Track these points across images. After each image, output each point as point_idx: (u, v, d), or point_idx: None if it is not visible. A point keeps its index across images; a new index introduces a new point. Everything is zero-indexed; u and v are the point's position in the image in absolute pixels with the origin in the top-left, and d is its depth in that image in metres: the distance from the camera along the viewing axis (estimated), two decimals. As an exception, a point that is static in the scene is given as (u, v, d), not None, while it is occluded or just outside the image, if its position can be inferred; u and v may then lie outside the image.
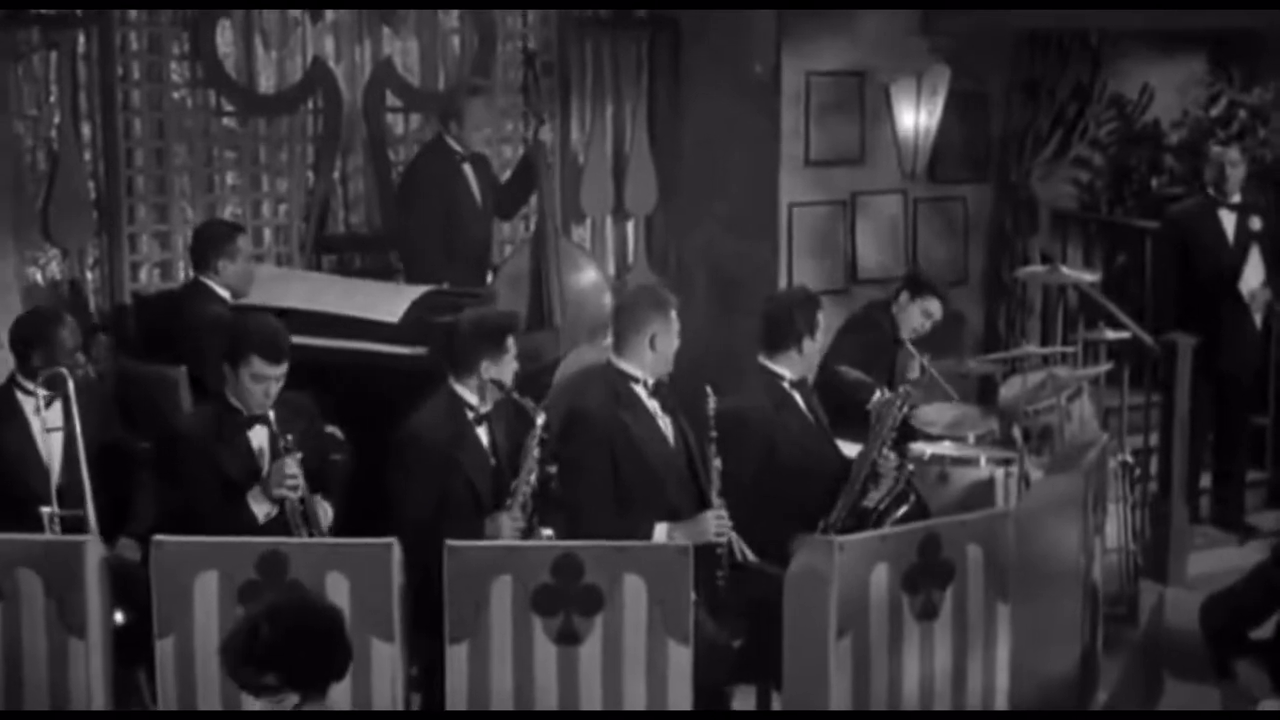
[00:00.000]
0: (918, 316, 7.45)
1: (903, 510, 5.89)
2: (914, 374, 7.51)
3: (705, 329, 8.45)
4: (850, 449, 6.37)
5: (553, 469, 5.59)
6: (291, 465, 5.33)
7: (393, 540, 4.91)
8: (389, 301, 6.85)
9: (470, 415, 5.53)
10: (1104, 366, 7.23)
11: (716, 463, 5.55)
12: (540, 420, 5.48)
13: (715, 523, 5.52)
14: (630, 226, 8.60)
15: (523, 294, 7.50)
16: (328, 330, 6.66)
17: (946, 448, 6.88)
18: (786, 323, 6.02)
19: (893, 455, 6.11)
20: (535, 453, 5.47)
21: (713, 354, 8.35)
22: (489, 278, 7.81)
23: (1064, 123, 8.67)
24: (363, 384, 6.52)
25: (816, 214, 8.22)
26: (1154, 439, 8.27)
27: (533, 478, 5.46)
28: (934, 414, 7.31)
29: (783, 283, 8.15)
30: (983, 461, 6.68)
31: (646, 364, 5.67)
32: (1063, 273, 7.45)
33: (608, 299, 7.62)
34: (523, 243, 7.87)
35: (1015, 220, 8.58)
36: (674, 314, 5.72)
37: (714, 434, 5.57)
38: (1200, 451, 8.42)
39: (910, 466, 6.48)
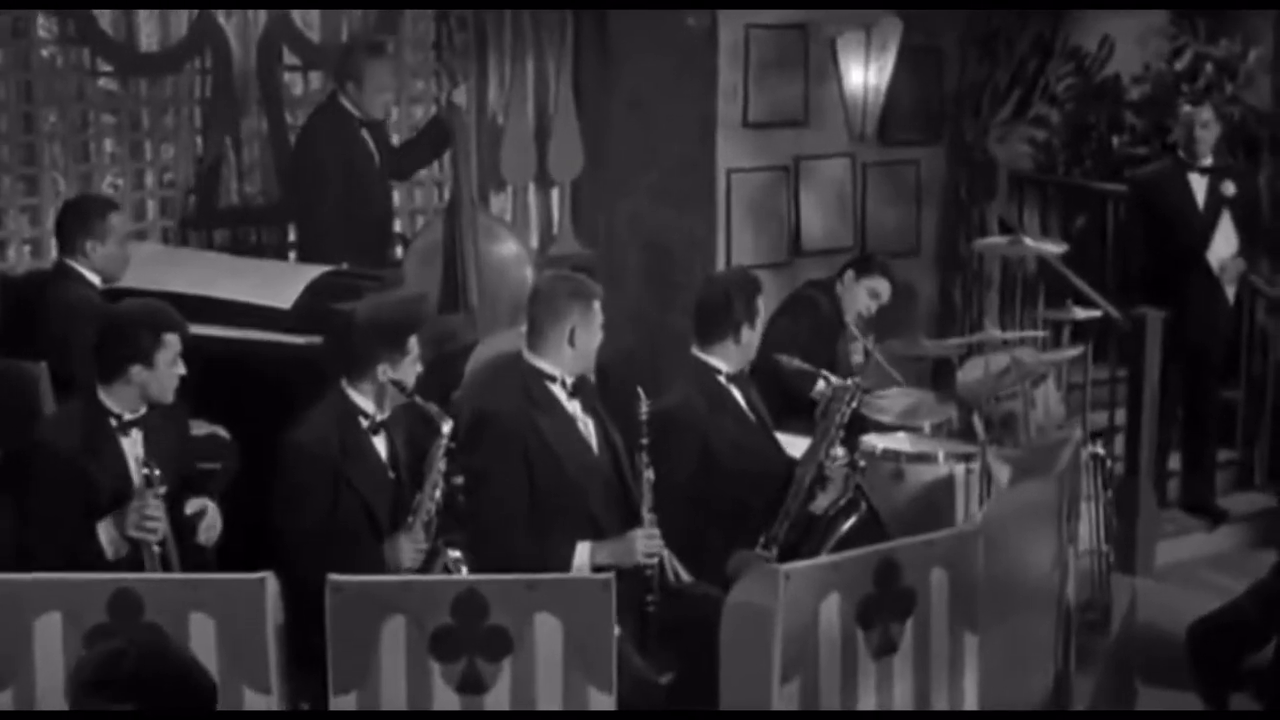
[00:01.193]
0: (863, 298, 6.83)
1: (852, 521, 5.26)
2: (858, 357, 6.90)
3: (636, 308, 7.81)
4: (795, 444, 5.75)
5: (460, 480, 4.94)
6: (155, 506, 4.57)
7: (266, 575, 4.23)
8: (282, 285, 6.13)
9: (365, 423, 4.86)
10: (1072, 351, 6.60)
11: (648, 473, 4.90)
12: (447, 428, 4.82)
13: (645, 542, 4.87)
14: (554, 195, 7.90)
15: (435, 271, 6.80)
16: (214, 317, 5.93)
17: (900, 441, 6.25)
18: (722, 310, 5.36)
19: (842, 453, 5.49)
20: (441, 465, 4.81)
21: (645, 337, 7.74)
22: (399, 251, 7.12)
23: (1023, 79, 8.02)
24: (252, 378, 5.81)
25: (757, 181, 7.55)
26: (1119, 416, 7.74)
27: (437, 493, 4.81)
28: (886, 401, 6.69)
29: (720, 255, 7.49)
30: (941, 457, 6.05)
31: (565, 361, 5.00)
32: (1026, 244, 6.82)
33: (529, 274, 6.95)
34: (436, 214, 7.18)
35: (972, 185, 7.94)
36: (597, 305, 5.05)
37: (644, 440, 4.91)
38: (1169, 431, 7.90)
39: (861, 466, 5.87)
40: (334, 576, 4.18)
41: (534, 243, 7.82)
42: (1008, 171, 8.35)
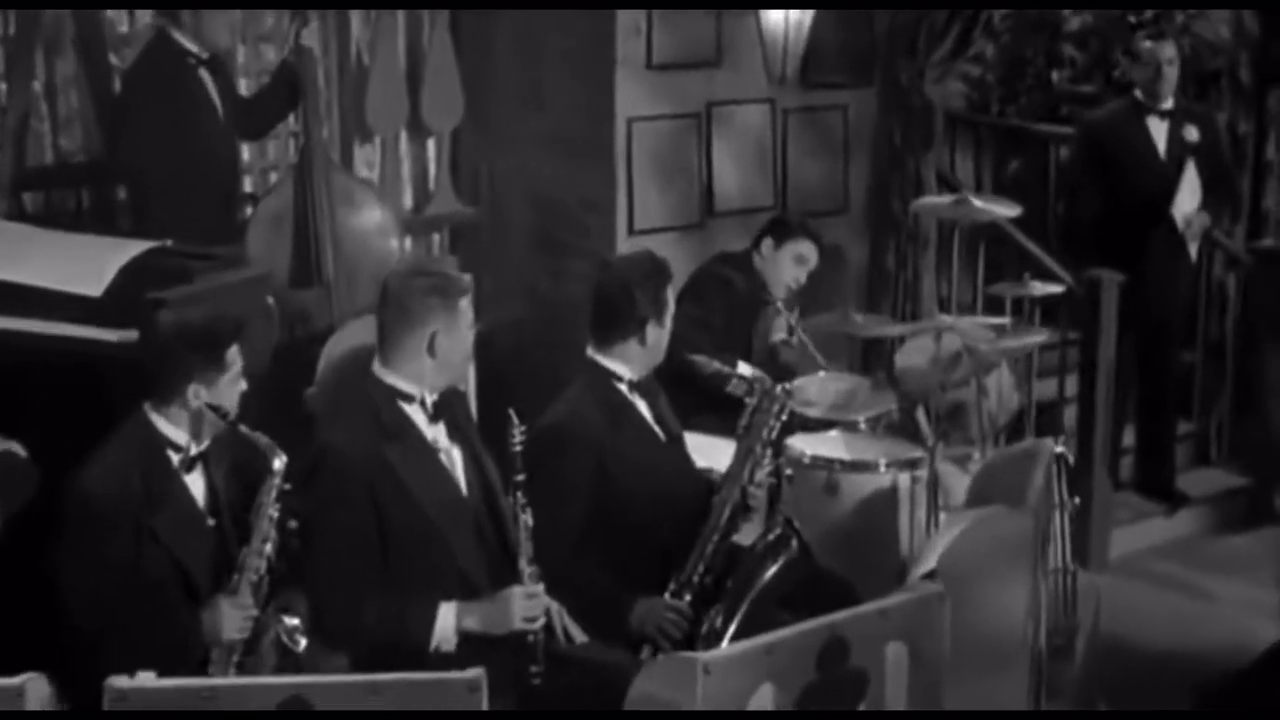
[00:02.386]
0: (789, 268, 5.90)
1: (780, 564, 4.33)
2: (779, 335, 5.97)
3: (524, 274, 6.83)
4: (708, 447, 4.84)
5: (296, 527, 3.96)
6: None
7: (34, 677, 3.24)
8: (95, 266, 5.07)
9: (175, 458, 3.88)
10: (1037, 336, 5.67)
11: (525, 517, 3.94)
12: (279, 463, 3.84)
13: (525, 603, 3.92)
14: (430, 146, 6.86)
15: (284, 240, 5.79)
16: (8, 307, 4.91)
17: (833, 444, 5.32)
18: (623, 304, 4.39)
19: (770, 462, 4.55)
20: (273, 510, 3.84)
21: (534, 319, 6.79)
22: (249, 211, 6.08)
23: (963, 12, 7.05)
24: (56, 384, 4.78)
25: (662, 130, 6.54)
26: (1069, 386, 6.92)
27: (269, 546, 3.84)
28: (813, 390, 5.77)
29: (621, 216, 6.50)
30: (882, 466, 5.14)
31: (425, 375, 4.02)
32: (974, 206, 5.89)
33: (394, 245, 5.95)
34: (288, 172, 6.14)
35: (907, 133, 6.97)
36: (464, 303, 4.06)
37: (520, 477, 3.95)
38: (1125, 405, 7.07)
39: (787, 475, 4.96)
40: (113, 681, 3.20)
41: (407, 202, 6.80)
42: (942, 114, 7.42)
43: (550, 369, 6.68)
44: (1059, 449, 5.37)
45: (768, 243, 5.89)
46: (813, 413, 5.64)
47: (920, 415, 5.43)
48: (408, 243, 6.79)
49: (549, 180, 6.68)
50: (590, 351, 4.45)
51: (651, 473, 4.33)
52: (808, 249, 5.89)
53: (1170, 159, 6.80)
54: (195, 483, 3.90)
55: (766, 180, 6.76)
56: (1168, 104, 6.82)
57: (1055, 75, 8.80)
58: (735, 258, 5.96)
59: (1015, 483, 4.55)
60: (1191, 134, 6.89)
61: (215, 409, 3.86)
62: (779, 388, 4.54)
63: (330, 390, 4.86)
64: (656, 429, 4.44)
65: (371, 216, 5.90)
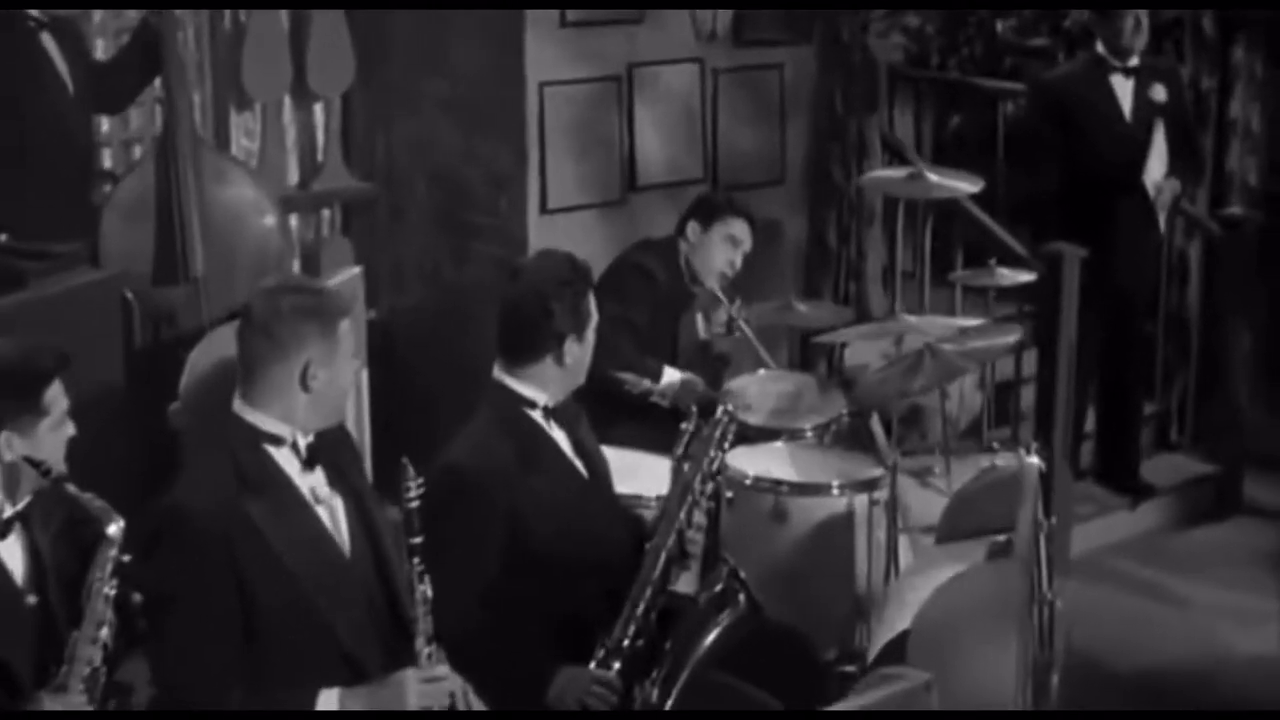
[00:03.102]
0: (721, 252, 5.23)
1: (724, 624, 3.66)
2: (716, 328, 5.31)
3: (424, 256, 6.12)
4: (640, 471, 4.20)
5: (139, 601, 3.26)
6: None
7: None
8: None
9: (-18, 523, 3.16)
10: (1008, 337, 5.02)
11: (425, 588, 3.25)
12: (114, 529, 3.14)
13: (423, 688, 3.24)
14: (318, 113, 6.11)
15: (146, 229, 5.05)
16: None
17: (777, 460, 4.66)
18: (538, 318, 3.69)
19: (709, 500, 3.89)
20: (108, 588, 3.14)
21: (436, 307, 6.10)
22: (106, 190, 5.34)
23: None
24: None
25: (578, 96, 5.82)
26: (1027, 365, 6.37)
27: (104, 631, 3.14)
28: (754, 392, 5.11)
29: (532, 192, 5.79)
30: (835, 488, 4.48)
31: (296, 413, 3.31)
32: (930, 181, 5.24)
33: (271, 221, 5.22)
34: (151, 147, 5.38)
35: (848, 94, 6.30)
36: (345, 325, 3.35)
37: (416, 539, 3.25)
38: (1086, 389, 6.48)
39: (727, 498, 4.31)
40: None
41: (293, 176, 6.06)
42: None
43: (455, 366, 6.01)
44: (1033, 458, 4.79)
45: (694, 226, 5.21)
46: (753, 420, 4.98)
47: (875, 424, 4.78)
48: (293, 221, 6.06)
49: (452, 152, 5.96)
50: (498, 373, 3.75)
51: (572, 518, 3.65)
52: (740, 229, 5.22)
53: (1137, 121, 6.20)
54: (12, 552, 3.18)
55: (695, 150, 6.06)
56: (1133, 60, 6.20)
57: (999, 26, 8.15)
58: (658, 245, 5.28)
59: (997, 517, 3.91)
60: (1159, 93, 6.28)
61: (34, 463, 3.14)
62: (722, 409, 3.87)
63: (197, 408, 4.15)
64: (577, 464, 3.76)
65: (245, 195, 5.17)
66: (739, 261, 5.20)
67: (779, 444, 4.82)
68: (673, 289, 5.11)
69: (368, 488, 3.46)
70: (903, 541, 4.51)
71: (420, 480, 3.26)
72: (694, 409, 3.87)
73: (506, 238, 5.80)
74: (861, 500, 4.43)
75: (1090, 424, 6.62)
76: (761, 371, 5.29)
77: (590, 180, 5.82)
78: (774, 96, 6.23)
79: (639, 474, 4.32)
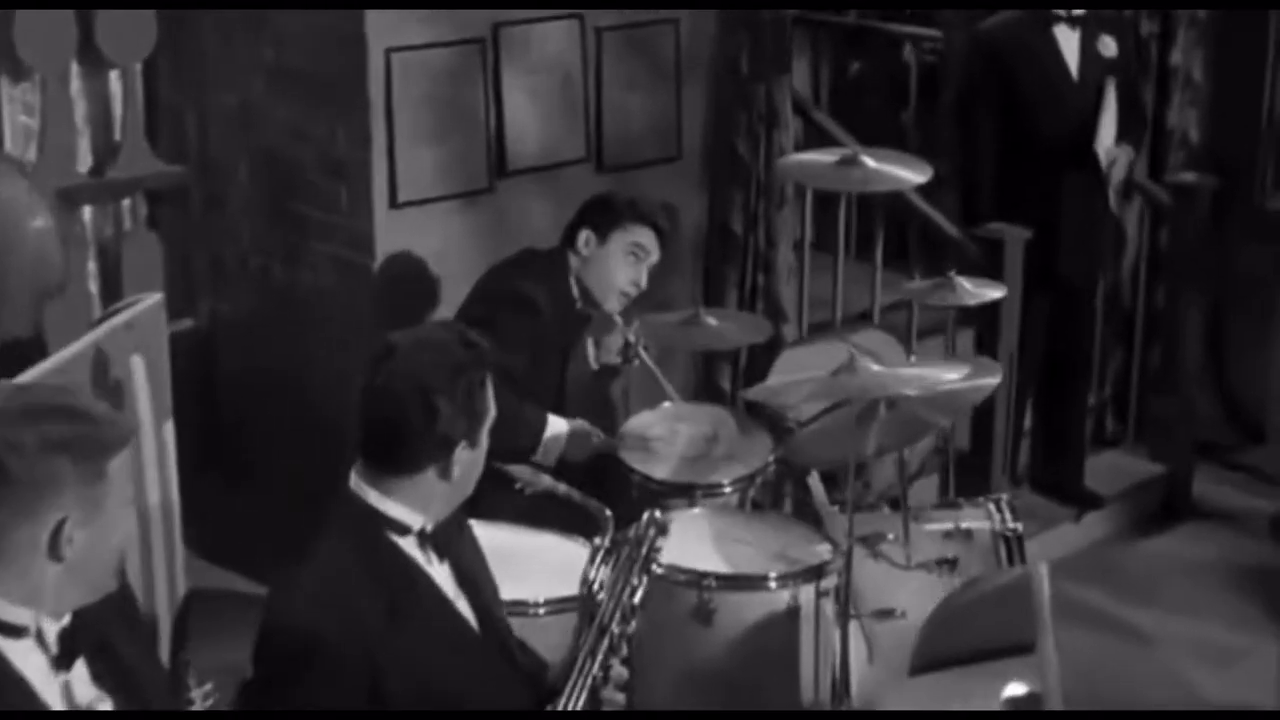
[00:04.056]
0: (622, 266, 4.24)
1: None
2: (611, 356, 4.37)
3: (252, 263, 5.08)
4: (527, 562, 3.27)
5: None
6: None
7: None
8: None
9: None
10: (990, 379, 4.03)
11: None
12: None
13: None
14: (114, 83, 4.99)
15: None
16: None
17: (696, 540, 3.68)
18: (418, 421, 2.67)
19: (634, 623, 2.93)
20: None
21: (265, 315, 5.06)
22: None
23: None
24: None
25: (434, 63, 4.74)
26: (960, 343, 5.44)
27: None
28: (656, 434, 4.16)
29: (378, 180, 4.73)
30: (773, 581, 3.52)
31: (43, 592, 2.28)
32: (868, 168, 4.27)
33: (42, 222, 4.14)
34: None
35: (755, 53, 5.29)
36: (112, 468, 2.31)
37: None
38: (1027, 388, 5.68)
39: (633, 605, 3.36)
40: None
41: (84, 161, 4.95)
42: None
43: (289, 387, 5.00)
44: (1006, 524, 3.91)
45: (587, 236, 4.22)
46: (658, 473, 4.04)
47: (814, 480, 3.85)
48: (86, 214, 4.97)
49: (279, 132, 4.89)
50: (357, 483, 2.73)
51: (454, 682, 2.67)
52: (646, 238, 4.24)
53: (1086, 80, 5.39)
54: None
55: (576, 123, 5.04)
56: (1079, 9, 5.35)
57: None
58: (541, 260, 4.26)
59: (993, 638, 3.01)
60: (1109, 47, 5.50)
61: None
62: (648, 516, 2.91)
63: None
64: (462, 607, 2.76)
65: (15, 197, 4.07)
66: (644, 280, 4.22)
67: (697, 511, 3.87)
68: (560, 317, 4.11)
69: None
70: (853, 631, 3.60)
71: (208, 689, 2.26)
72: (607, 518, 2.90)
73: (349, 235, 4.77)
74: (807, 593, 3.49)
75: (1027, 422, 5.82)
76: (666, 405, 4.34)
77: (450, 165, 4.78)
78: (668, 58, 5.21)
79: (515, 562, 3.35)
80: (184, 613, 3.82)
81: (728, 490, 4.02)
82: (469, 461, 2.71)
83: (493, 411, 2.73)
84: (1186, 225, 6.00)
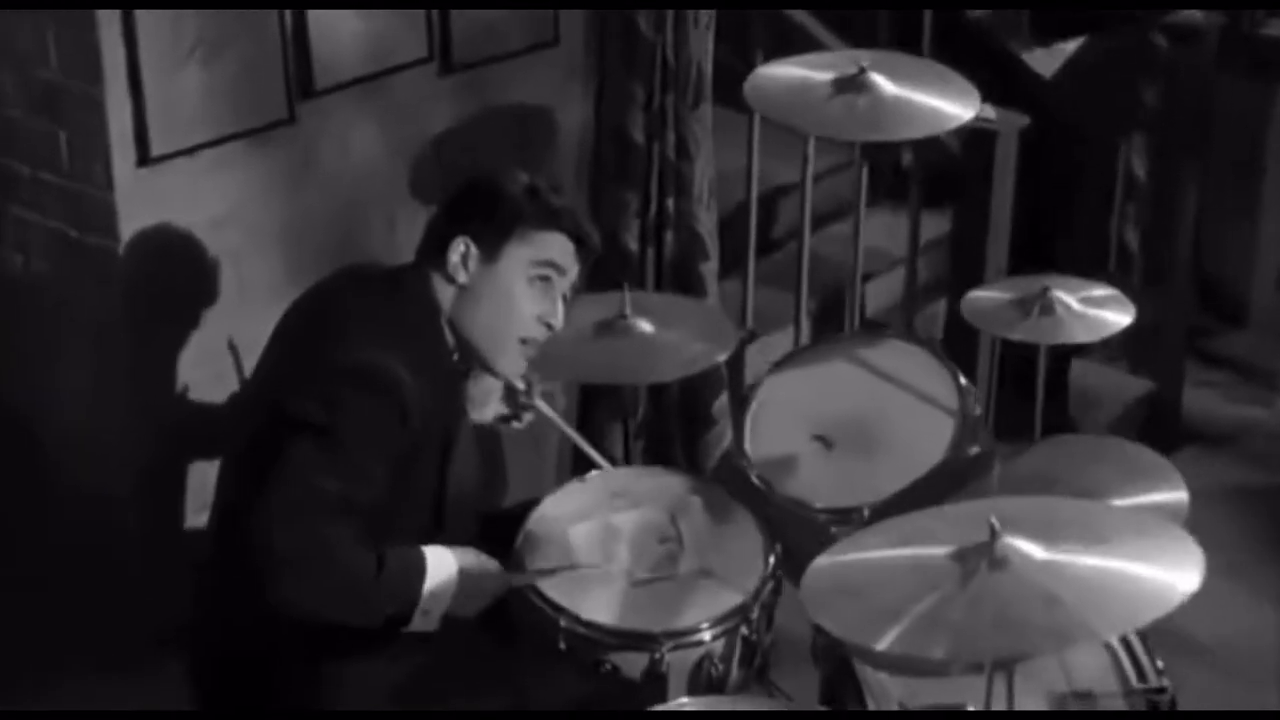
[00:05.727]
0: (526, 297, 2.67)
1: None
2: (483, 413, 2.87)
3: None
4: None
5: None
6: None
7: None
8: None
9: None
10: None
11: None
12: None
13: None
14: None
15: None
16: None
17: None
18: None
19: None
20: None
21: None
22: None
23: None
24: None
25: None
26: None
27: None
28: (594, 549, 2.73)
29: (121, 128, 3.04)
30: None
31: None
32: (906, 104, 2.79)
33: None
34: None
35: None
36: None
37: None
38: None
39: None
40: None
41: None
42: None
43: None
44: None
45: (463, 251, 2.61)
46: (599, 617, 2.62)
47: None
48: None
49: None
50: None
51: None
52: (558, 248, 2.66)
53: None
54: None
55: (412, 13, 3.39)
56: None
57: None
58: (382, 295, 2.60)
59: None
60: None
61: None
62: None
63: None
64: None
65: None
66: (559, 315, 2.66)
67: (685, 701, 2.47)
68: (434, 391, 2.54)
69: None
70: None
71: None
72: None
73: (76, 204, 3.13)
74: None
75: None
76: (592, 478, 2.88)
77: (228, 92, 3.12)
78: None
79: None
80: None
81: (707, 639, 2.60)
82: None
83: None
84: (1184, 76, 4.66)
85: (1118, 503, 2.56)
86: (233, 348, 3.23)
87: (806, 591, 2.01)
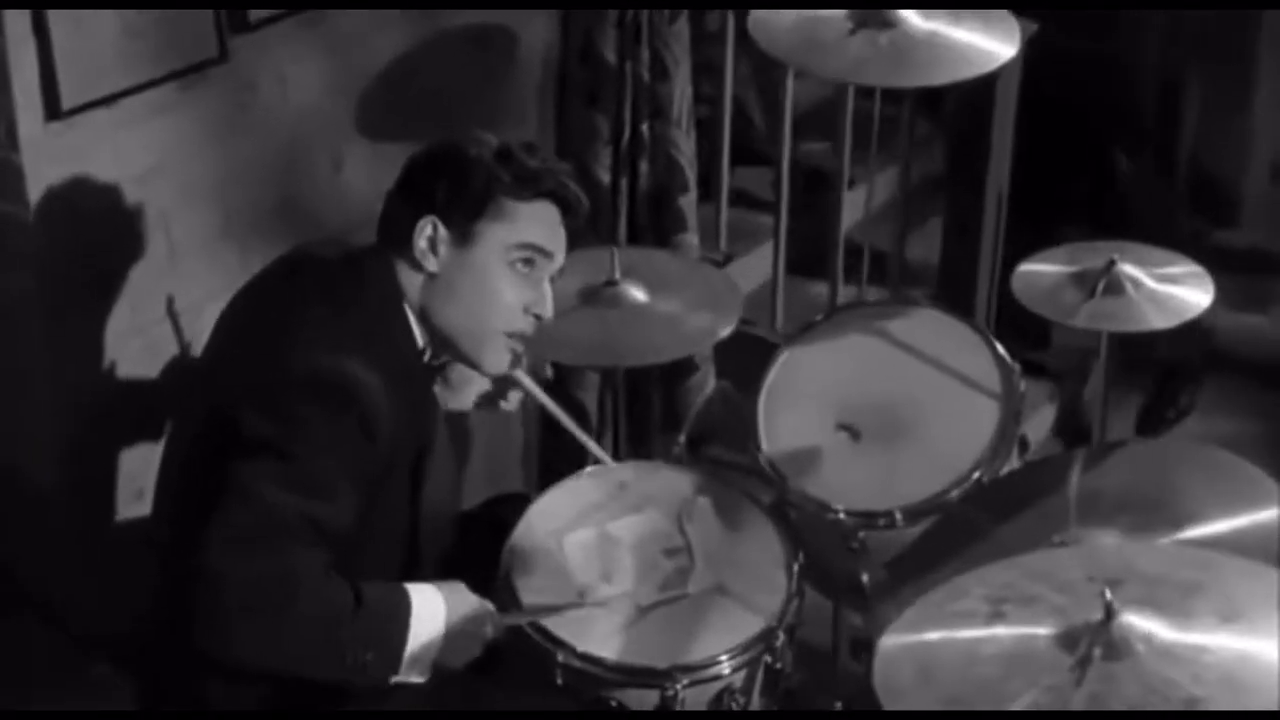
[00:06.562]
0: (507, 283, 2.31)
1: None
2: (463, 400, 2.55)
3: None
4: None
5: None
6: None
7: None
8: None
9: None
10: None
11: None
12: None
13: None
14: None
15: None
16: None
17: None
18: None
19: None
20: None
21: None
22: None
23: None
24: None
25: None
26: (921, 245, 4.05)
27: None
28: (557, 534, 2.41)
29: (24, 76, 2.61)
30: None
31: None
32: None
33: None
34: None
35: None
36: None
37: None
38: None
39: None
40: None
41: None
42: None
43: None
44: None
45: (430, 233, 2.24)
46: (601, 651, 2.30)
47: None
48: None
49: None
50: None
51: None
52: (540, 225, 2.30)
53: None
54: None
55: None
56: None
57: None
58: (345, 288, 2.23)
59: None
60: None
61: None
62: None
63: None
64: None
65: None
66: (548, 305, 2.30)
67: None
68: (406, 398, 2.17)
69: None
70: None
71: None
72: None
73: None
74: None
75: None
76: (583, 476, 2.55)
77: (148, 30, 2.71)
78: None
79: None
80: None
81: (726, 671, 2.29)
82: None
83: None
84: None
85: (1216, 529, 2.20)
86: (172, 312, 2.86)
87: (881, 679, 1.66)
